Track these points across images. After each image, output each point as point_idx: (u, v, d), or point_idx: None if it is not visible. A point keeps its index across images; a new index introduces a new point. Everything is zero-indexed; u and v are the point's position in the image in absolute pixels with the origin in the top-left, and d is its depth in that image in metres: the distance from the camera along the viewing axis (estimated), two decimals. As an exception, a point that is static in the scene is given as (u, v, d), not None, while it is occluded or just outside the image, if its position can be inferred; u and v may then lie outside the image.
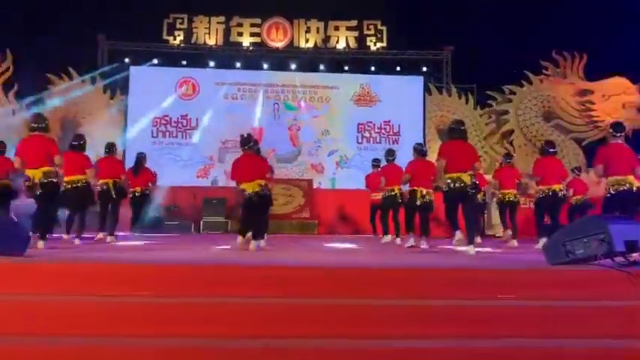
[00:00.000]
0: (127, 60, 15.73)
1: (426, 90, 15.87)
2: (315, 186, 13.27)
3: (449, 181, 5.87)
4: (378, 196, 8.80)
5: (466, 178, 5.81)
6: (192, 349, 2.94)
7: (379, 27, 15.87)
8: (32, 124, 6.08)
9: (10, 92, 14.74)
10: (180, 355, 2.92)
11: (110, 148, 8.11)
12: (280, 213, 11.66)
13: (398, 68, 15.99)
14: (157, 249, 6.35)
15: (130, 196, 8.74)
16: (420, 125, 15.55)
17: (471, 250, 5.75)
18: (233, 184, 11.88)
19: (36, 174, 5.83)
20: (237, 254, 5.65)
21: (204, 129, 15.20)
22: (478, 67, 15.13)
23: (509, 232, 8.39)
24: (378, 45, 15.82)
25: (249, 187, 6.25)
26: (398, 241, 8.13)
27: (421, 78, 15.98)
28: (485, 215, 10.63)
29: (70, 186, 6.76)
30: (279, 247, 6.85)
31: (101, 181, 7.59)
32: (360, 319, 3.27)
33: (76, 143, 7.05)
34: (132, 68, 15.66)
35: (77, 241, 6.76)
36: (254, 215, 6.44)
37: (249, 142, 6.48)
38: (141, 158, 9.07)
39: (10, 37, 14.16)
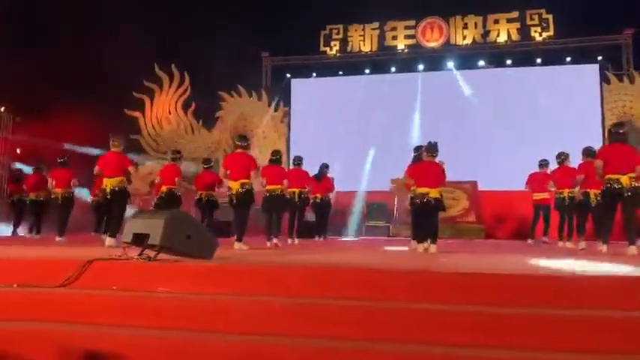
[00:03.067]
0: (288, 74, 16.57)
1: (603, 79, 14.30)
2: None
3: (606, 182, 6.04)
4: (543, 195, 8.66)
5: (625, 179, 5.90)
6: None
7: (544, 15, 14.71)
8: (237, 142, 7.23)
9: (189, 111, 16.42)
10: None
11: (298, 161, 9.09)
12: (443, 217, 11.28)
13: (568, 58, 14.63)
14: (338, 251, 6.58)
15: (312, 202, 9.42)
16: (598, 118, 14.06)
17: (631, 250, 5.71)
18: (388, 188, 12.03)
19: (235, 185, 6.81)
20: (408, 258, 5.51)
21: (362, 135, 15.26)
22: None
23: None
24: (544, 35, 14.65)
25: (433, 193, 6.49)
26: (568, 244, 7.77)
27: (596, 66, 14.45)
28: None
29: (269, 194, 7.69)
30: (452, 252, 6.63)
31: (288, 190, 8.50)
32: (514, 327, 2.94)
33: (274, 158, 7.94)
34: (292, 81, 16.47)
35: (269, 244, 7.55)
36: (429, 219, 6.54)
37: (435, 150, 6.63)
38: (323, 167, 9.77)
39: (187, 60, 15.76)
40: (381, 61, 15.95)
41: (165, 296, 3.69)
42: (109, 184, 7.26)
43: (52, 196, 9.07)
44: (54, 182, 9.01)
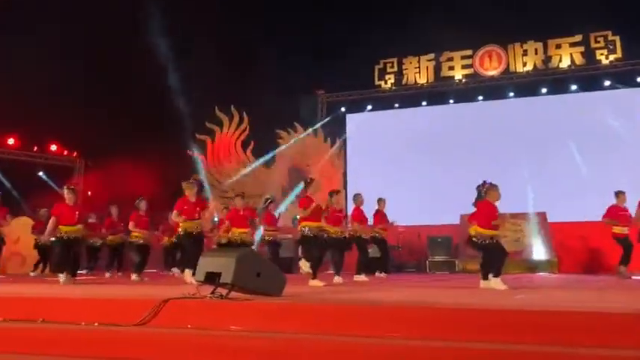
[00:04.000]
0: (342, 109, 16.69)
1: (682, 99, 13.52)
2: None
3: None
4: (619, 228, 8.40)
5: None
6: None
7: (610, 37, 14.15)
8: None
9: (248, 149, 16.79)
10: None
11: (355, 197, 9.28)
12: (511, 250, 10.78)
13: (639, 79, 13.96)
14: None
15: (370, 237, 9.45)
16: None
17: None
18: (457, 220, 11.73)
19: (301, 224, 7.37)
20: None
21: (421, 167, 14.96)
22: None
23: None
24: (611, 57, 14.08)
25: (473, 230, 6.40)
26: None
27: (671, 86, 13.72)
28: None
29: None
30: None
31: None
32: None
33: (330, 197, 8.21)
34: (347, 116, 16.59)
35: (335, 280, 7.61)
36: (487, 256, 6.39)
37: (486, 188, 6.44)
38: (378, 202, 9.79)
39: (245, 100, 16.20)
40: (438, 92, 15.76)
41: (238, 335, 3.64)
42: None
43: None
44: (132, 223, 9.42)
